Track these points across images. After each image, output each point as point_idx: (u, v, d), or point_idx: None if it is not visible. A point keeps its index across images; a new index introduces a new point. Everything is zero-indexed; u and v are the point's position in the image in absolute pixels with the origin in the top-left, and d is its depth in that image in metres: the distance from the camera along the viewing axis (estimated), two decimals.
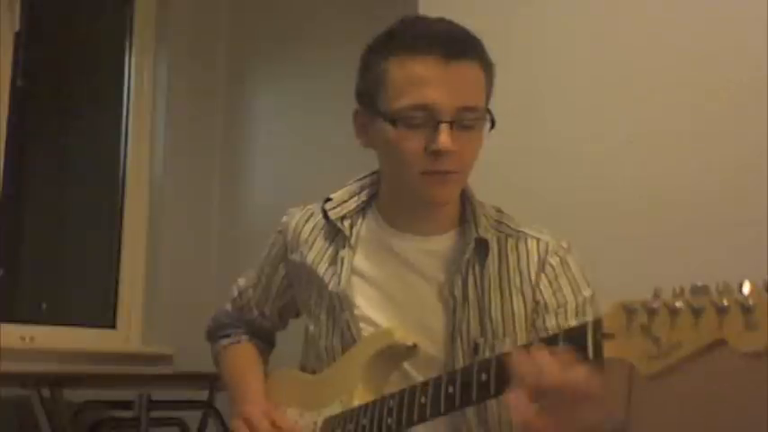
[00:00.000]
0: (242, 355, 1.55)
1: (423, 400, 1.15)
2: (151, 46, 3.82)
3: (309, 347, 1.44)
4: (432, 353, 1.31)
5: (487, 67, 1.30)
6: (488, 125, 1.30)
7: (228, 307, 1.60)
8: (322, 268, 1.40)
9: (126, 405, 3.28)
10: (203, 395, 3.36)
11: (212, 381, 3.12)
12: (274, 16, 3.78)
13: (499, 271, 1.33)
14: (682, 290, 0.85)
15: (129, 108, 3.78)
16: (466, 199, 1.38)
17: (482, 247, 1.33)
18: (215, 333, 1.61)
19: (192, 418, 3.44)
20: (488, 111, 1.30)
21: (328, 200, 1.41)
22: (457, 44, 1.26)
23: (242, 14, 3.91)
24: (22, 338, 3.27)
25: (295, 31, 3.69)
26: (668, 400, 1.79)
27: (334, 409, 1.31)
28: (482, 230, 1.33)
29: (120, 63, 3.80)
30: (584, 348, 0.94)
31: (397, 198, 1.37)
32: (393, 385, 1.25)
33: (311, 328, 1.43)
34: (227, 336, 1.58)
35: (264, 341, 1.60)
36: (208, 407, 3.39)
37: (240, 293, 1.58)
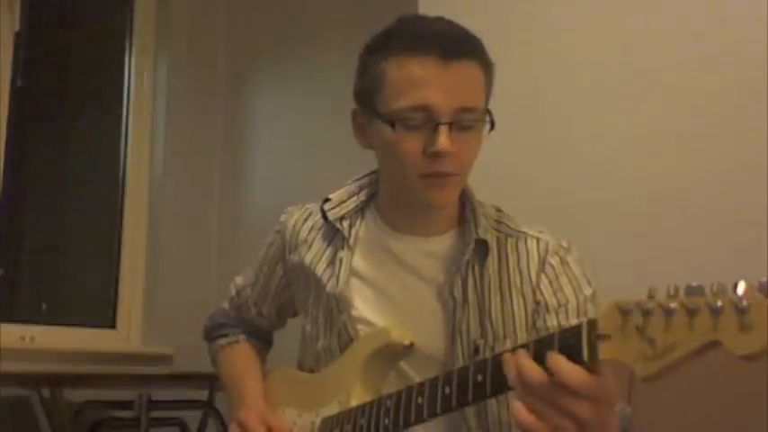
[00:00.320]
0: (240, 355, 1.54)
1: (420, 400, 1.14)
2: (151, 46, 3.83)
3: (306, 347, 1.43)
4: (431, 354, 1.29)
5: (487, 67, 1.28)
6: (488, 127, 1.27)
7: (226, 305, 1.59)
8: (320, 269, 1.39)
9: (126, 405, 3.28)
10: (203, 395, 3.36)
11: (212, 381, 3.11)
12: (274, 16, 3.78)
13: (499, 271, 1.32)
14: (677, 290, 0.84)
15: (129, 108, 3.78)
16: (466, 199, 1.36)
17: (482, 247, 1.31)
18: (212, 332, 1.60)
19: (192, 417, 3.44)
20: (488, 111, 1.28)
21: (327, 200, 1.39)
22: (456, 44, 1.24)
23: (242, 14, 3.90)
24: (22, 338, 3.27)
25: (295, 31, 3.68)
26: (669, 401, 1.79)
27: (332, 409, 1.31)
28: (482, 231, 1.32)
29: (120, 63, 3.80)
30: (578, 350, 0.92)
31: (395, 199, 1.36)
32: (392, 387, 1.24)
33: (308, 328, 1.42)
34: (225, 335, 1.57)
35: (262, 340, 1.59)
36: (208, 407, 3.39)
37: (238, 292, 1.57)
